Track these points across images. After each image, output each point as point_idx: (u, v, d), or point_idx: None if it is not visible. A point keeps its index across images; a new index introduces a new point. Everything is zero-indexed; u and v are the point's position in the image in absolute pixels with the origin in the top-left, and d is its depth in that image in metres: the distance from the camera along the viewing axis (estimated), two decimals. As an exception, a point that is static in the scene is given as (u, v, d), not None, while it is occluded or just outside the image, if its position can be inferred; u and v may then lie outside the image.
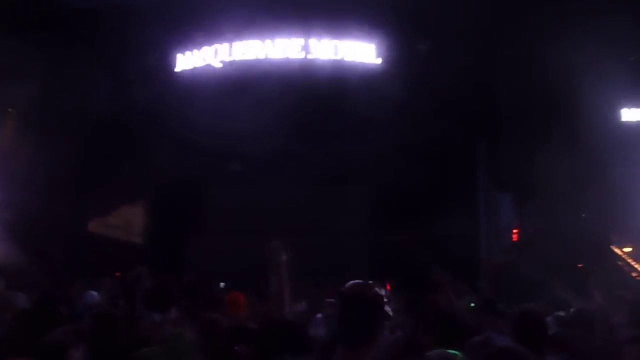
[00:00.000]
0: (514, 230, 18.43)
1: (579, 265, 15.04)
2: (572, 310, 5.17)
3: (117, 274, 11.21)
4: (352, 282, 2.06)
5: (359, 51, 15.11)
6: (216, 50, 15.76)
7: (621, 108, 16.29)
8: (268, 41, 15.32)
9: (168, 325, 2.93)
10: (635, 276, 17.15)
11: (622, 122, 16.30)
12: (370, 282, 2.06)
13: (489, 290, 10.48)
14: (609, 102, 14.60)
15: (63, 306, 4.77)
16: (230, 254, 15.03)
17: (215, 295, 6.38)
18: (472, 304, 5.16)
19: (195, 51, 15.99)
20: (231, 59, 15.55)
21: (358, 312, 1.96)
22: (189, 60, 16.03)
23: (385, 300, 2.08)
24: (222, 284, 7.48)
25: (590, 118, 12.92)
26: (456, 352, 2.47)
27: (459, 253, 12.29)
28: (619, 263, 18.06)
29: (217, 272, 12.38)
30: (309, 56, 15.07)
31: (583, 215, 16.57)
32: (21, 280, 6.75)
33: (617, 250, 18.34)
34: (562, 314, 5.03)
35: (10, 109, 16.09)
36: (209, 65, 15.78)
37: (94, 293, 5.76)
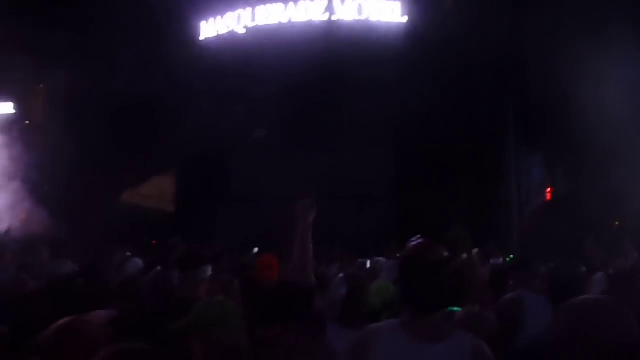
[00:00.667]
0: (547, 190, 18.15)
1: (616, 223, 14.80)
2: (609, 269, 5.10)
3: (154, 242, 11.54)
4: (417, 243, 2.04)
5: (384, 10, 14.77)
6: (239, 16, 15.64)
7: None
8: (291, 4, 15.10)
9: (204, 284, 3.02)
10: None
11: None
12: (433, 242, 2.03)
13: (521, 250, 10.42)
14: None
15: (110, 272, 4.96)
16: (257, 220, 15.24)
17: (247, 260, 6.54)
18: (509, 257, 5.16)
19: (218, 18, 15.89)
20: (254, 24, 15.41)
21: (437, 277, 1.94)
22: (212, 28, 15.95)
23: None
24: (255, 249, 7.62)
25: (624, 72, 12.45)
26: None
27: (491, 215, 12.18)
28: (656, 220, 17.66)
29: (246, 238, 12.59)
30: (333, 17, 14.82)
31: (619, 171, 16.17)
32: (63, 249, 6.99)
33: (653, 207, 17.90)
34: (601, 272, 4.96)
35: (41, 85, 16.41)
36: (232, 31, 15.68)
37: (138, 260, 5.95)
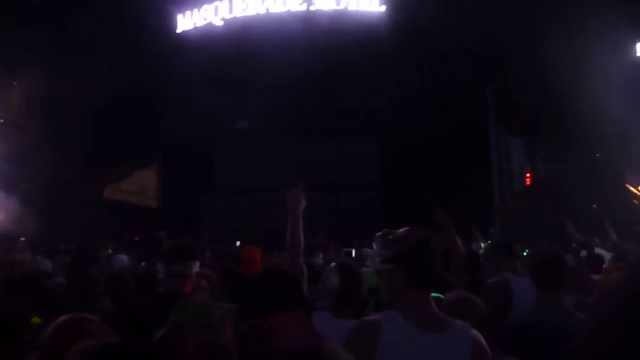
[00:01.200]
0: (527, 175, 18.40)
1: (594, 206, 15.08)
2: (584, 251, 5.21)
3: (136, 238, 11.45)
4: (407, 229, 2.11)
5: (362, -1, 14.73)
6: (216, 8, 15.47)
7: (636, 43, 15.85)
8: (269, -6, 14.99)
9: (190, 278, 2.98)
10: (650, 213, 17.14)
11: (637, 57, 15.89)
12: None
13: (501, 234, 10.56)
14: (624, 38, 14.21)
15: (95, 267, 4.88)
16: (241, 212, 15.21)
17: (231, 253, 6.53)
18: (488, 242, 5.23)
19: (195, 10, 15.71)
20: (232, 15, 15.27)
21: (429, 255, 2.05)
22: (189, 20, 15.77)
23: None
24: (237, 243, 7.59)
25: (603, 55, 12.62)
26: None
27: (471, 199, 12.31)
28: (634, 202, 18.03)
29: (230, 230, 12.57)
30: (311, 7, 14.73)
31: (597, 155, 16.45)
32: (44, 248, 6.90)
33: (631, 189, 18.27)
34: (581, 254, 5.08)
35: (15, 82, 16.07)
36: (210, 23, 15.52)
37: (123, 256, 5.89)
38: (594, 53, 13.25)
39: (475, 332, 1.96)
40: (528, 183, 18.39)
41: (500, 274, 3.85)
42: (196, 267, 2.99)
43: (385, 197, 14.87)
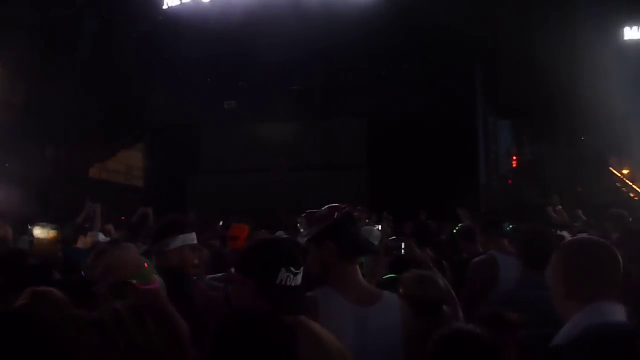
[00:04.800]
0: (513, 157, 18.54)
1: (578, 189, 15.27)
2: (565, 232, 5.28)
3: (122, 218, 11.37)
4: (329, 206, 2.21)
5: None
6: (204, -16, 15.24)
7: (623, 26, 15.93)
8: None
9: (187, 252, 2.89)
10: (633, 197, 17.41)
11: (624, 40, 15.97)
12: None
13: (488, 212, 10.67)
14: (610, 21, 14.26)
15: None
16: (228, 192, 15.17)
17: (218, 230, 6.51)
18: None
19: (182, -14, 15.46)
20: (219, -7, 15.05)
21: (353, 227, 2.16)
22: (176, -4, 15.52)
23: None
24: (220, 222, 7.53)
25: (591, 37, 12.67)
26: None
27: (458, 180, 12.39)
28: (617, 184, 18.28)
29: (217, 210, 12.54)
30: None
31: (582, 138, 16.61)
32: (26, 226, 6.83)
33: (615, 172, 18.51)
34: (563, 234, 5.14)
35: (-2, 59, 15.77)
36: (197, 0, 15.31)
37: (100, 234, 5.83)
38: (582, 36, 13.30)
39: (401, 301, 2.10)
40: (514, 165, 18.56)
41: (487, 252, 3.90)
42: (182, 240, 2.88)
43: (372, 177, 14.91)
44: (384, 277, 2.79)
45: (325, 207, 2.20)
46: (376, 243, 3.30)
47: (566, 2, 12.76)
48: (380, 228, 4.08)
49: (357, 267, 2.11)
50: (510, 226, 4.88)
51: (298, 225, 2.36)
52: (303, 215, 2.25)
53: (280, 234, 5.66)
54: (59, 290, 2.12)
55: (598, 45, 13.62)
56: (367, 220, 6.46)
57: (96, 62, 14.87)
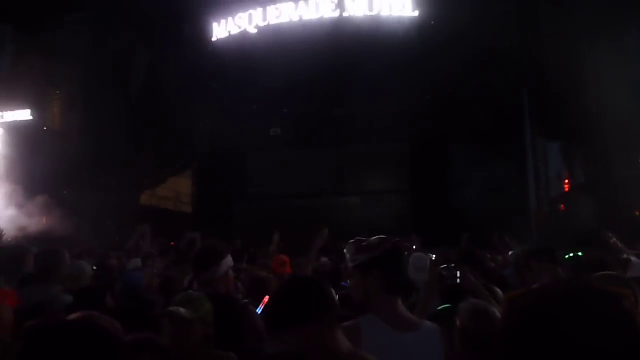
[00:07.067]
0: (565, 180, 17.93)
1: (637, 213, 14.57)
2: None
3: (172, 243, 11.62)
4: (379, 237, 2.27)
5: (395, 4, 14.69)
6: (250, 16, 15.68)
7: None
8: (302, 2, 15.11)
9: (224, 280, 2.93)
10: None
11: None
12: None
13: (539, 240, 10.32)
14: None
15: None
16: (273, 217, 15.28)
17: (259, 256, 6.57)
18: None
19: (229, 19, 15.96)
20: (266, 23, 15.45)
21: (399, 263, 2.27)
22: (224, 28, 16.03)
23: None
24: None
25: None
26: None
27: (508, 204, 12.08)
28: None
29: (263, 236, 12.62)
30: (344, 14, 14.78)
31: (639, 160, 15.91)
32: (83, 251, 7.08)
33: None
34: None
35: (57, 91, 16.62)
36: (244, 31, 15.74)
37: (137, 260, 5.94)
38: (633, 55, 12.86)
39: (442, 329, 2.15)
40: (566, 189, 17.92)
41: (540, 283, 3.75)
42: (226, 265, 2.91)
43: (416, 202, 14.73)
44: (439, 307, 2.76)
45: (376, 237, 2.26)
46: (427, 270, 3.24)
47: (615, 23, 12.40)
48: (434, 257, 4.02)
49: (399, 299, 2.16)
50: (570, 255, 4.64)
51: (345, 250, 2.39)
52: (351, 241, 2.28)
53: (325, 260, 5.66)
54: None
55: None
56: (414, 247, 6.37)
57: (147, 93, 15.46)
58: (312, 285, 1.81)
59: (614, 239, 5.50)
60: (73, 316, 1.89)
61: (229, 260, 2.92)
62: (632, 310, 1.00)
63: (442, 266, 3.53)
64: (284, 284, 1.92)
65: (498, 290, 3.44)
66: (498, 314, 2.33)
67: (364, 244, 2.23)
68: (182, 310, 2.15)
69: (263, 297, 3.03)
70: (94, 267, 5.23)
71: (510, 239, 6.74)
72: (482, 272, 4.58)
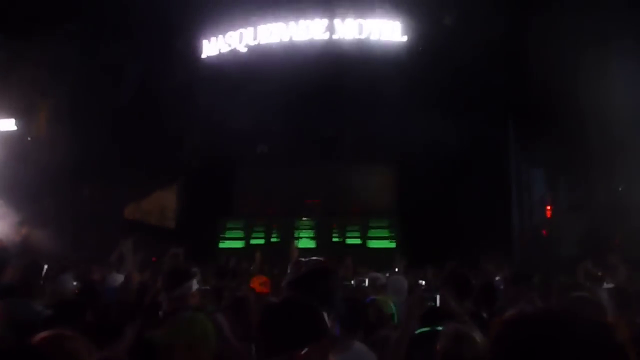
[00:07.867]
0: (547, 207, 18.11)
1: (615, 241, 14.74)
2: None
3: (154, 259, 11.50)
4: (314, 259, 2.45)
5: (384, 29, 14.92)
6: (241, 35, 15.81)
7: None
8: (292, 23, 15.27)
9: (188, 298, 3.07)
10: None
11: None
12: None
13: (521, 265, 10.40)
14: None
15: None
16: (261, 234, 15.25)
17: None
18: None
19: (220, 37, 16.07)
20: (256, 42, 15.57)
21: (322, 283, 2.33)
22: (214, 46, 16.12)
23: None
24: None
25: (627, 85, 12.50)
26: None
27: (490, 230, 12.18)
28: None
29: (246, 254, 12.57)
30: (334, 36, 14.97)
31: (619, 188, 16.16)
32: (63, 265, 6.98)
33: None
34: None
35: (44, 101, 16.50)
36: (234, 49, 15.85)
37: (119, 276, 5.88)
38: (620, 83, 13.12)
39: (371, 353, 2.25)
40: (549, 215, 18.10)
41: (517, 306, 3.78)
42: (193, 286, 3.10)
43: (402, 225, 14.79)
44: (418, 330, 2.74)
45: (310, 259, 2.43)
46: (404, 292, 3.26)
47: (600, 50, 12.67)
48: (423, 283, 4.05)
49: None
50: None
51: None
52: (292, 262, 2.44)
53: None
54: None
55: (635, 93, 13.40)
56: (396, 270, 6.39)
57: (135, 106, 15.42)
58: (305, 308, 1.77)
59: (590, 269, 5.58)
60: (40, 335, 1.86)
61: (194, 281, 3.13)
62: (621, 340, 1.02)
63: (422, 288, 3.57)
64: (277, 308, 1.85)
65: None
66: (479, 339, 2.34)
67: (294, 264, 2.34)
68: (157, 337, 2.10)
69: (242, 315, 3.09)
70: (76, 282, 5.18)
71: (495, 264, 6.79)
72: (469, 291, 4.61)
